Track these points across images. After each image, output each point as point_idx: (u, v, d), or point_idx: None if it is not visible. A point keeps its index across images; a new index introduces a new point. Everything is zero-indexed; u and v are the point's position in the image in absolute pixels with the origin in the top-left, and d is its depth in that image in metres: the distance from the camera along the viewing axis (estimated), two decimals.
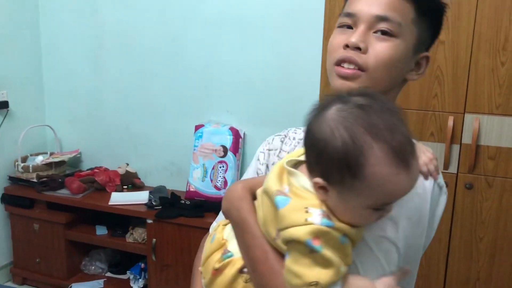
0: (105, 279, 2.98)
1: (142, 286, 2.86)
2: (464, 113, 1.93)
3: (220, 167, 2.73)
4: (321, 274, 0.68)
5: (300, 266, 0.69)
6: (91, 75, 3.18)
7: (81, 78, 3.21)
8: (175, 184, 3.01)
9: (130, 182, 3.07)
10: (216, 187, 2.73)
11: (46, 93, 3.32)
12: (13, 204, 3.01)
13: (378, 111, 0.67)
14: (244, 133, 2.79)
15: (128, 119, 3.15)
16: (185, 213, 2.61)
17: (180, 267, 2.66)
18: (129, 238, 2.83)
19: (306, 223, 0.69)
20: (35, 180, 2.98)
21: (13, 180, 3.05)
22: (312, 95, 2.28)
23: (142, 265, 2.88)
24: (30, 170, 2.99)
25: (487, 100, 1.89)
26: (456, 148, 1.95)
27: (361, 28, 0.83)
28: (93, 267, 3.05)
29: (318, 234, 0.68)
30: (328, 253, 0.68)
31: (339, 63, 0.85)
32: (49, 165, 3.06)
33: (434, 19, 0.88)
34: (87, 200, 2.88)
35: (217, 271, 0.81)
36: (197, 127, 2.83)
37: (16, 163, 3.03)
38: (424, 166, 0.83)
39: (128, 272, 2.95)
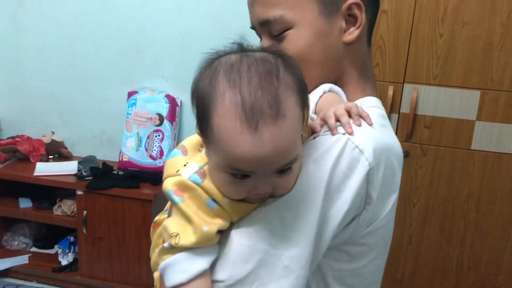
0: (30, 255, 2.80)
1: (71, 260, 2.72)
2: (403, 83, 1.98)
3: (156, 136, 2.63)
4: (181, 228, 0.64)
5: (170, 218, 0.68)
6: (10, 35, 2.90)
7: None
8: (106, 154, 2.86)
9: (57, 151, 2.87)
10: (151, 156, 2.63)
11: None
12: None
13: (259, 68, 0.60)
14: (181, 101, 2.69)
15: (53, 84, 2.92)
16: (119, 184, 2.49)
17: (113, 240, 2.55)
18: (56, 211, 2.67)
19: (176, 174, 0.67)
20: None
21: None
22: None
23: (72, 239, 2.74)
24: None
25: (425, 70, 1.95)
26: (394, 117, 2.00)
27: (264, 41, 0.80)
28: (16, 242, 2.85)
29: (182, 187, 0.65)
30: (186, 208, 0.64)
31: None
32: None
33: None
34: (8, 170, 2.67)
35: (155, 224, 0.80)
36: (130, 94, 2.68)
37: None
38: (331, 119, 0.70)
39: (56, 246, 2.79)
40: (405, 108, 1.99)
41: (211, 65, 0.64)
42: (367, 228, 0.71)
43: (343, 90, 0.80)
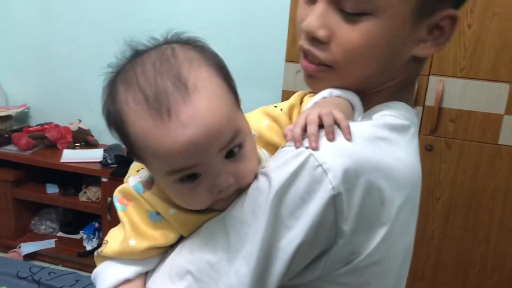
0: (56, 239, 2.87)
1: (96, 245, 2.78)
2: (429, 75, 1.93)
3: None
4: (115, 236, 0.62)
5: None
6: (40, 25, 2.96)
7: (29, 27, 2.98)
8: None
9: (83, 139, 2.92)
10: None
11: None
12: None
13: (150, 58, 0.56)
14: None
15: (81, 73, 2.97)
16: None
17: None
18: (82, 197, 2.73)
19: (125, 181, 0.65)
20: None
21: None
22: (277, 55, 2.23)
23: (96, 225, 2.80)
24: None
25: (452, 62, 1.89)
26: (419, 110, 1.96)
27: (320, 5, 0.61)
28: (43, 227, 2.93)
29: (127, 195, 0.62)
30: (124, 218, 0.60)
31: (303, 54, 0.66)
32: None
33: None
34: (36, 157, 2.74)
35: None
36: None
37: None
38: (297, 127, 0.57)
39: (81, 231, 2.85)
40: (430, 101, 1.94)
41: (110, 83, 0.60)
42: (345, 267, 0.57)
43: (373, 99, 0.67)
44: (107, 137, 2.96)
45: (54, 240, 2.86)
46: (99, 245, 2.74)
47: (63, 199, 2.78)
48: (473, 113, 1.91)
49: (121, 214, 0.61)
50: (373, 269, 0.58)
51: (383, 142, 0.59)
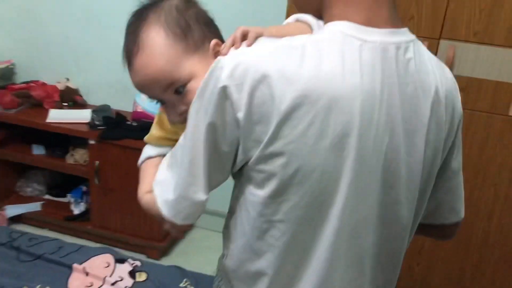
0: (43, 202, 2.79)
1: (83, 209, 2.70)
2: (439, 39, 1.79)
3: None
4: (151, 130, 0.94)
5: None
6: None
7: None
8: (120, 104, 2.76)
9: (71, 99, 2.80)
10: None
11: None
12: None
13: (131, 18, 0.83)
14: None
15: (68, 28, 2.82)
16: (131, 135, 2.42)
17: (124, 191, 2.48)
18: (69, 159, 2.63)
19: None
20: None
21: None
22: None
23: (84, 188, 2.71)
24: None
25: (465, 26, 1.75)
26: None
27: None
28: (29, 189, 2.85)
29: (160, 109, 0.91)
30: (156, 117, 0.92)
31: None
32: None
33: None
34: (21, 116, 2.64)
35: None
36: None
37: None
38: (227, 43, 0.74)
39: (68, 195, 2.76)
40: None
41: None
42: (256, 155, 0.70)
43: (324, 18, 0.76)
44: (96, 98, 2.84)
45: (40, 203, 2.78)
46: (86, 210, 2.67)
47: (50, 160, 2.69)
48: (484, 82, 1.79)
49: (156, 115, 0.92)
50: (277, 160, 0.69)
51: (291, 51, 0.68)
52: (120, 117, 2.57)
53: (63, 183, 2.86)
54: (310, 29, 0.79)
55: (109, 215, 2.59)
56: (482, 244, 1.98)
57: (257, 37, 0.72)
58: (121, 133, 2.44)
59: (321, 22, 0.77)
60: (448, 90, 0.79)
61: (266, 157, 0.69)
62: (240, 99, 0.66)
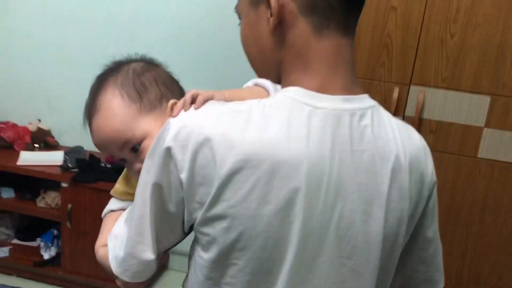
0: (11, 247, 2.70)
1: (54, 254, 2.63)
2: (410, 85, 1.87)
3: None
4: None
5: None
6: None
7: None
8: (93, 145, 2.73)
9: (43, 140, 2.78)
10: None
11: None
12: None
13: (95, 81, 0.89)
14: None
15: (40, 70, 2.82)
16: (106, 177, 2.40)
17: (98, 235, 2.44)
18: (40, 203, 2.57)
19: None
20: None
21: None
22: None
23: (55, 232, 2.64)
24: None
25: (433, 72, 1.84)
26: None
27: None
28: None
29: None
30: (123, 173, 0.96)
31: None
32: None
33: None
34: None
35: None
36: None
37: None
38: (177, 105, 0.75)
39: (38, 239, 2.69)
40: (410, 111, 1.88)
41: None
42: (200, 217, 0.69)
43: (282, 83, 0.77)
44: (69, 139, 2.81)
45: (8, 248, 2.68)
46: (57, 254, 2.60)
47: (19, 204, 2.63)
48: (453, 125, 1.87)
49: (124, 170, 0.94)
50: (220, 223, 0.68)
51: (237, 115, 0.68)
52: (93, 159, 2.54)
53: (32, 226, 2.78)
54: (267, 93, 0.80)
55: (81, 259, 2.53)
56: (457, 282, 2.02)
57: (206, 100, 0.72)
58: (95, 176, 2.41)
59: (278, 87, 0.78)
60: (413, 156, 0.76)
61: (209, 220, 0.68)
62: (183, 161, 0.67)
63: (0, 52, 2.84)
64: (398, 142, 0.74)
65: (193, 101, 0.72)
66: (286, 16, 0.70)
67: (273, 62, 0.76)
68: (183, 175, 0.67)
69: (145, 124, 0.83)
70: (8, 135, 2.68)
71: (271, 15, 0.71)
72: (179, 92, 0.89)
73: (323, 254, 0.71)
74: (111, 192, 0.95)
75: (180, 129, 0.67)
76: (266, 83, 0.82)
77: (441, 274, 0.92)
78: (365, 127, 0.72)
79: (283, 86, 0.75)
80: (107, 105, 0.83)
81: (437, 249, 0.89)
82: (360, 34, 1.85)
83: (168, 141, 0.68)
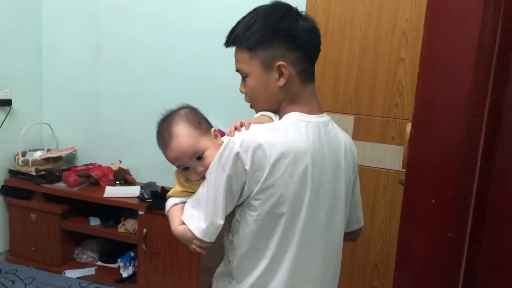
0: (96, 267, 3.19)
1: (131, 273, 3.09)
2: None
3: None
4: (174, 187, 1.29)
5: None
6: (89, 78, 3.43)
7: (79, 80, 3.46)
8: (163, 180, 3.26)
9: (123, 177, 3.30)
10: None
11: (45, 93, 3.56)
12: (12, 195, 3.23)
13: (164, 120, 1.25)
14: None
15: (122, 120, 3.40)
16: None
17: (168, 255, 2.91)
18: (121, 229, 3.06)
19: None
20: (33, 173, 3.20)
21: (13, 173, 3.27)
22: None
23: (132, 254, 3.11)
24: (30, 164, 3.21)
25: None
26: None
27: (242, 81, 1.28)
28: (85, 256, 3.27)
29: (176, 172, 1.28)
30: (176, 178, 1.27)
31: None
32: (47, 160, 3.29)
33: (273, 42, 1.20)
34: (82, 192, 3.11)
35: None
36: None
37: (17, 157, 3.24)
38: (231, 129, 1.17)
39: (118, 260, 3.17)
40: None
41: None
42: (255, 190, 1.13)
43: (281, 112, 1.25)
44: (144, 176, 3.35)
45: (94, 268, 3.18)
46: (134, 273, 3.07)
47: (103, 230, 3.13)
48: None
49: (175, 177, 1.27)
50: (269, 190, 1.13)
51: (271, 131, 1.16)
52: (164, 191, 3.02)
53: (114, 250, 3.28)
54: (271, 119, 1.25)
55: (154, 276, 2.98)
56: None
57: (249, 124, 1.17)
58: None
59: (276, 115, 1.25)
60: (350, 145, 1.32)
61: (262, 189, 1.13)
62: (246, 159, 1.11)
63: (90, 106, 3.46)
64: (344, 138, 1.29)
65: (241, 125, 1.17)
66: (289, 78, 1.20)
67: (277, 101, 1.25)
68: (247, 167, 1.11)
69: (204, 142, 1.21)
70: (95, 173, 3.22)
71: (283, 78, 1.20)
72: (209, 124, 1.29)
73: (324, 203, 1.23)
74: (170, 194, 1.30)
75: (242, 141, 1.11)
76: (270, 113, 1.26)
77: (361, 215, 1.45)
78: (330, 131, 1.26)
79: (282, 114, 1.25)
80: (182, 132, 1.20)
81: (360, 200, 1.43)
82: (376, 82, 2.27)
83: (236, 148, 1.11)
